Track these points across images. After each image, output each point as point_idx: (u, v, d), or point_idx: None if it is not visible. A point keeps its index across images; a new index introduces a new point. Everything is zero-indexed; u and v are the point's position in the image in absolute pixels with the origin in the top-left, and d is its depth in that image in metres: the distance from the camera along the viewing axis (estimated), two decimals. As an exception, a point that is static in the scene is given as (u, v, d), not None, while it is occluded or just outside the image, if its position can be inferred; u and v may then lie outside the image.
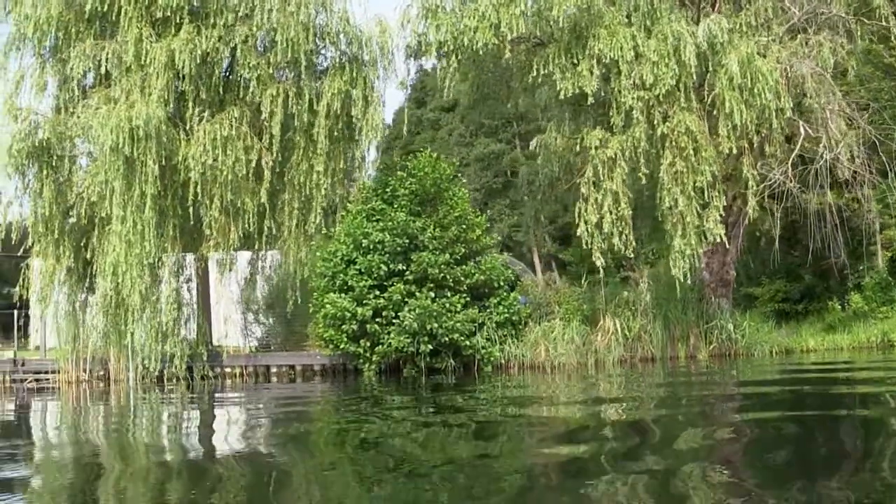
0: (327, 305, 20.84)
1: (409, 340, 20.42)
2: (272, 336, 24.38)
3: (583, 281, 23.41)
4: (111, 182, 19.93)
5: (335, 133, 21.53)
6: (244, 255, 23.79)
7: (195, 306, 21.88)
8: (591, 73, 20.32)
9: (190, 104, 20.93)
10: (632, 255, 20.87)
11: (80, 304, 22.94)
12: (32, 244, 21.98)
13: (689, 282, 20.58)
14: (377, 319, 20.69)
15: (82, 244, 22.41)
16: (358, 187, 22.58)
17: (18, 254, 45.13)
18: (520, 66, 22.52)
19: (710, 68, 19.95)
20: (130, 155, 19.64)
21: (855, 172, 21.22)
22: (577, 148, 22.37)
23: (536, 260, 40.98)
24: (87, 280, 23.07)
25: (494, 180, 42.98)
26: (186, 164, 20.28)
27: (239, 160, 20.44)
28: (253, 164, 20.82)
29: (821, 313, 27.96)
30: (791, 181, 20.96)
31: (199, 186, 20.17)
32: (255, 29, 21.03)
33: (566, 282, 23.81)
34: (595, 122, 22.58)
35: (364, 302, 20.64)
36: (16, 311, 37.71)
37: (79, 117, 21.04)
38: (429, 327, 20.17)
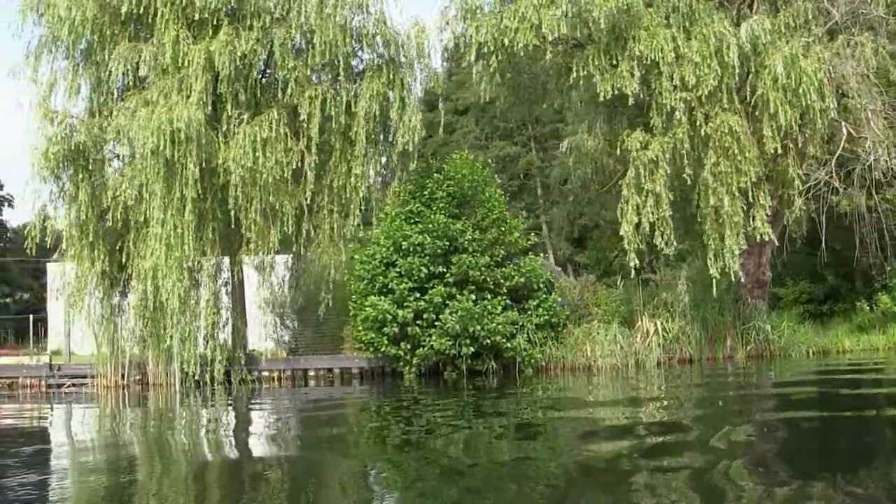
0: (367, 308, 20.73)
1: (450, 343, 20.35)
2: (300, 340, 24.20)
3: (618, 283, 23.31)
4: (151, 185, 19.80)
5: (372, 135, 21.46)
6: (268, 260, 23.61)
7: (231, 310, 21.71)
8: (632, 74, 20.28)
9: (228, 106, 20.84)
10: (672, 256, 20.78)
11: (113, 308, 22.79)
12: (66, 248, 21.76)
13: (732, 281, 20.55)
14: (418, 322, 20.60)
15: (117, 248, 22.32)
16: (394, 189, 22.44)
17: (32, 258, 44.84)
18: (556, 67, 22.45)
19: (753, 69, 19.94)
20: (171, 157, 19.53)
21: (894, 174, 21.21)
22: (613, 150, 22.38)
23: (552, 261, 40.92)
24: (121, 284, 22.97)
25: (510, 183, 42.90)
26: (226, 167, 20.15)
27: (279, 162, 20.33)
28: (293, 167, 20.71)
29: (847, 314, 27.93)
30: (835, 181, 20.95)
31: (238, 189, 20.05)
32: (293, 31, 20.93)
33: (603, 284, 23.63)
34: (630, 123, 22.55)
35: (405, 304, 20.54)
36: (31, 316, 37.67)
37: (115, 120, 20.94)
38: (471, 330, 20.09)
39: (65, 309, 29.68)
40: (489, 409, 16.06)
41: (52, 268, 37.77)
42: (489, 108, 43.37)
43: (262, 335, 24.26)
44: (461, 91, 40.98)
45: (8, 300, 44.22)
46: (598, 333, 21.25)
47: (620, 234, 20.43)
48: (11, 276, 43.21)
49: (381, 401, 18.78)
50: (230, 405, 18.64)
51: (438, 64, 22.77)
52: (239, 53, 20.36)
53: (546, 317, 21.20)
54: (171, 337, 20.80)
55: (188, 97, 20.29)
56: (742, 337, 22.18)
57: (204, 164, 19.97)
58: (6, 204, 43.69)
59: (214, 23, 21.20)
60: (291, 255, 22.81)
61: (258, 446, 12.28)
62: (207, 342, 20.56)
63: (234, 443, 12.86)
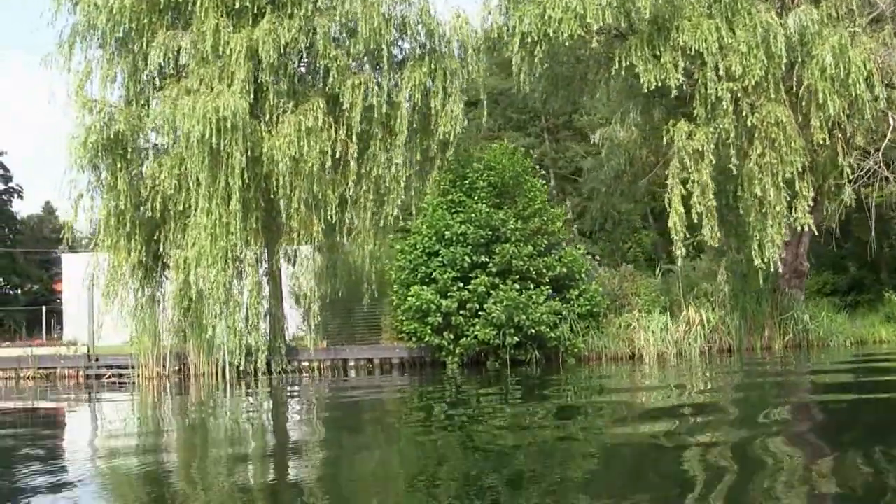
0: (410, 298, 20.69)
1: (494, 333, 20.33)
2: (337, 330, 24.08)
3: (657, 273, 23.37)
4: (196, 174, 19.65)
5: (413, 125, 21.41)
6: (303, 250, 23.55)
7: (271, 300, 21.62)
8: (675, 65, 20.31)
9: (270, 95, 20.71)
10: (717, 246, 20.84)
11: (148, 298, 22.66)
12: (104, 238, 21.54)
13: (771, 271, 20.63)
14: (461, 312, 20.57)
15: (154, 238, 22.19)
16: (433, 179, 22.38)
17: (41, 249, 44.62)
18: (596, 58, 22.46)
19: (799, 59, 19.99)
20: (216, 146, 19.41)
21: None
22: (647, 141, 22.43)
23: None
24: (157, 274, 22.84)
25: (523, 174, 42.98)
26: (270, 156, 20.04)
27: (323, 151, 20.25)
28: (337, 156, 20.63)
29: (872, 305, 28.13)
30: (885, 170, 21.07)
31: (285, 178, 19.94)
32: (338, 19, 20.82)
33: (642, 274, 23.69)
34: (669, 114, 22.60)
35: (448, 294, 20.51)
36: (44, 307, 37.48)
37: (157, 109, 20.80)
38: (516, 319, 20.09)
39: (88, 299, 29.66)
40: (534, 395, 16.26)
41: (67, 258, 37.65)
42: (501, 99, 43.50)
43: (297, 326, 24.22)
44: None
45: (17, 291, 43.98)
46: (641, 323, 21.25)
47: (669, 224, 20.45)
48: (21, 267, 42.91)
49: (425, 388, 18.78)
50: (276, 394, 18.55)
51: (480, 54, 22.30)
52: (283, 42, 20.20)
53: (588, 306, 21.22)
54: (213, 327, 20.76)
55: (230, 86, 20.19)
56: (780, 327, 22.27)
57: (248, 153, 19.86)
58: (16, 195, 43.35)
59: (255, 11, 21.11)
60: (312, 245, 22.54)
61: (310, 431, 12.38)
62: (250, 332, 20.45)
63: (287, 428, 13.01)
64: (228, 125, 19.30)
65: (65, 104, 22.06)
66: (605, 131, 25.55)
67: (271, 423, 13.81)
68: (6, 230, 42.56)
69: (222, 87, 19.85)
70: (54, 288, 45.77)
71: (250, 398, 17.72)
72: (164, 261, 22.82)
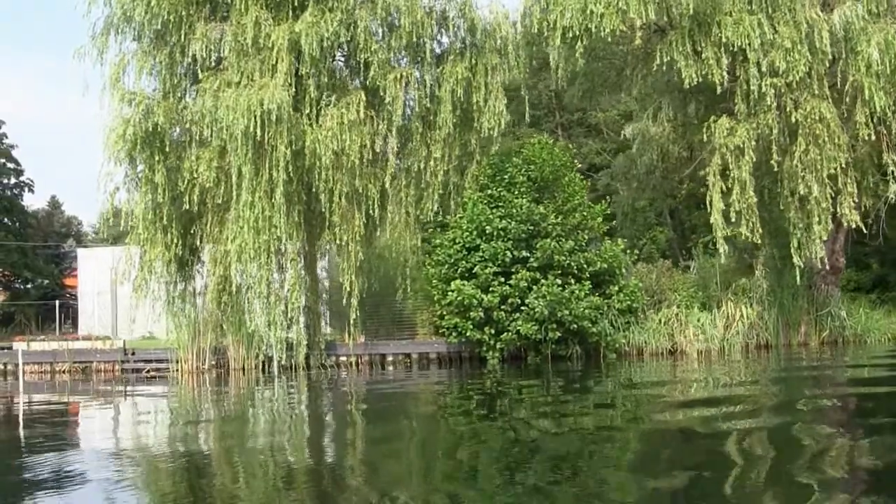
0: (451, 293, 20.63)
1: (536, 328, 20.30)
2: (371, 325, 23.99)
3: (692, 269, 23.38)
4: (239, 167, 19.55)
5: (453, 120, 21.35)
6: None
7: (310, 295, 21.55)
8: (717, 60, 20.31)
9: (311, 88, 20.64)
10: (758, 243, 20.85)
11: (181, 292, 22.56)
12: (141, 231, 21.37)
13: (811, 268, 20.70)
14: (503, 307, 20.52)
15: (191, 232, 22.11)
16: (472, 174, 22.33)
17: (52, 244, 44.25)
18: (635, 53, 22.44)
19: (843, 54, 20.01)
20: (260, 139, 19.32)
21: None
22: (689, 136, 22.42)
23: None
24: (191, 268, 22.75)
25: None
26: (312, 149, 19.95)
27: (365, 145, 20.19)
28: (378, 150, 20.58)
29: (897, 302, 28.17)
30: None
31: (327, 172, 19.87)
32: (379, 12, 20.75)
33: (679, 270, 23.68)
34: (707, 110, 22.62)
35: (490, 289, 20.46)
36: (57, 302, 37.28)
37: (198, 101, 20.67)
38: (558, 314, 20.07)
39: (112, 293, 29.56)
40: (578, 388, 16.43)
41: (83, 253, 37.44)
42: (515, 95, 43.49)
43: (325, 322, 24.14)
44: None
45: (29, 286, 43.71)
46: (681, 318, 21.27)
47: (711, 221, 20.46)
48: (32, 262, 42.63)
49: (467, 382, 18.79)
50: (320, 387, 18.52)
51: (520, 50, 22.26)
52: (326, 34, 20.09)
53: (627, 302, 21.21)
54: (252, 321, 20.71)
55: (272, 78, 20.08)
56: (816, 323, 22.31)
57: (291, 147, 19.76)
58: (27, 189, 43.07)
59: (294, 4, 21.02)
60: (353, 240, 22.31)
61: (362, 422, 12.63)
62: (291, 326, 20.37)
63: (340, 419, 13.31)
64: (273, 118, 19.23)
65: (100, 96, 21.92)
66: (637, 126, 25.53)
67: (324, 414, 14.16)
68: (17, 224, 42.23)
69: (266, 80, 19.75)
70: (64, 283, 45.56)
71: (297, 391, 17.68)
72: (199, 255, 22.80)
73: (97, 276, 33.74)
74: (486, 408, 13.51)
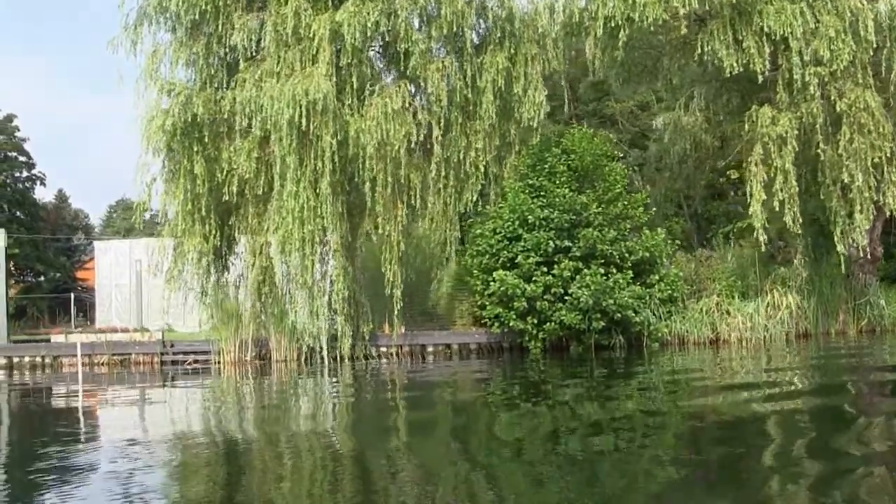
0: (493, 283, 20.59)
1: (579, 317, 20.28)
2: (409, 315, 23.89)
3: (729, 258, 23.39)
4: (284, 157, 19.41)
5: (493, 110, 21.26)
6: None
7: (353, 285, 21.42)
8: (759, 49, 20.31)
9: (353, 78, 20.52)
10: (800, 232, 20.88)
11: (214, 284, 22.47)
12: (180, 223, 21.21)
13: (849, 257, 20.76)
14: (546, 296, 20.49)
15: (229, 223, 22.01)
16: (511, 164, 22.27)
17: (63, 237, 43.68)
18: (673, 43, 22.41)
19: (887, 43, 20.04)
20: (305, 129, 19.20)
21: None
22: (725, 126, 22.41)
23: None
24: (227, 259, 22.67)
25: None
26: (356, 139, 19.85)
27: (408, 135, 20.12)
28: (422, 140, 20.50)
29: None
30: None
31: (371, 161, 19.77)
32: (420, 1, 20.64)
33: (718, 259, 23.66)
34: (744, 99, 22.64)
35: (533, 279, 20.42)
36: (72, 294, 37.03)
37: (234, 91, 20.52)
38: (603, 304, 20.05)
39: (137, 285, 29.38)
40: (623, 378, 16.56)
41: (99, 246, 37.20)
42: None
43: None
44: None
45: (41, 279, 43.42)
46: (723, 307, 21.30)
47: (750, 212, 20.48)
48: (44, 255, 42.34)
49: (512, 372, 18.85)
50: (369, 378, 18.53)
51: (559, 40, 22.19)
52: (369, 24, 19.96)
53: (669, 291, 21.21)
54: (296, 312, 20.63)
55: (317, 68, 19.94)
56: (854, 312, 22.38)
57: (336, 137, 19.65)
58: (39, 182, 42.73)
59: (335, -7, 20.89)
60: (396, 230, 22.24)
61: (415, 411, 13.00)
62: (335, 317, 20.28)
63: (387, 410, 13.37)
64: (319, 108, 19.12)
65: (135, 87, 21.80)
66: (668, 116, 25.53)
67: (379, 404, 14.20)
68: (29, 217, 41.91)
69: (310, 70, 19.61)
70: (76, 276, 45.28)
71: (353, 383, 17.67)
72: (234, 246, 22.70)
73: (115, 269, 33.52)
74: (548, 397, 13.57)
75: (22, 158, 41.97)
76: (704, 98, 24.31)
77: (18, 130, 41.55)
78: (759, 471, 7.29)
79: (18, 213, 41.95)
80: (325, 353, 20.00)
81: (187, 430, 11.67)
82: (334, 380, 17.96)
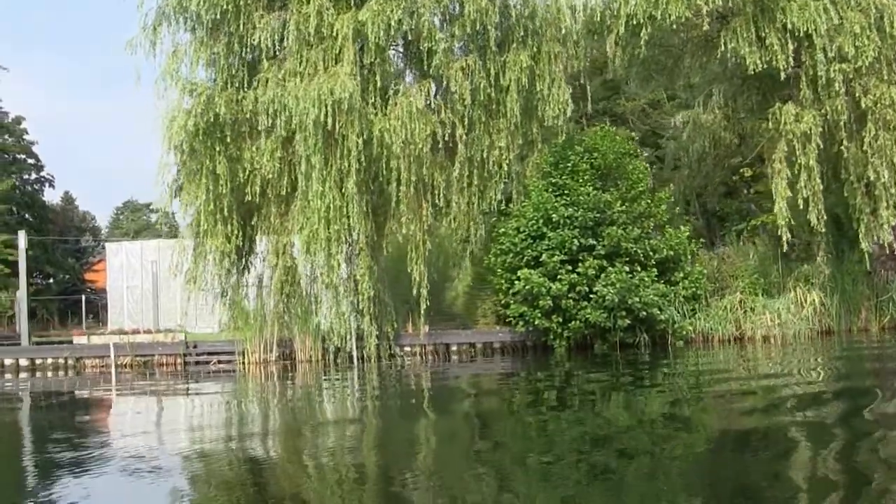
0: (517, 282, 20.56)
1: (605, 315, 20.26)
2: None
3: (752, 256, 23.38)
4: (309, 156, 19.36)
5: (517, 108, 21.23)
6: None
7: (378, 284, 21.36)
8: (782, 46, 20.32)
9: (377, 77, 20.49)
10: (823, 230, 20.89)
11: (234, 284, 22.43)
12: (203, 223, 21.13)
13: (878, 253, 20.77)
14: (570, 295, 20.46)
15: (251, 223, 21.96)
16: (533, 162, 22.26)
17: (71, 238, 43.48)
18: (694, 41, 22.41)
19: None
20: (331, 128, 19.16)
21: None
22: (745, 123, 22.42)
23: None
24: (248, 259, 22.62)
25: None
26: (381, 138, 19.82)
27: (436, 132, 20.10)
28: (446, 139, 20.48)
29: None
30: None
31: (397, 160, 19.74)
32: (444, 0, 20.62)
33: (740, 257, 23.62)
34: (765, 97, 22.66)
35: (558, 277, 20.40)
36: (83, 297, 36.96)
37: (256, 91, 20.46)
38: (628, 302, 20.03)
39: (153, 286, 29.30)
40: (651, 378, 16.53)
41: (111, 247, 37.11)
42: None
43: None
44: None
45: (50, 281, 43.32)
46: (747, 305, 21.31)
47: (775, 210, 20.49)
48: (53, 257, 42.23)
49: (538, 371, 18.82)
50: (396, 378, 18.52)
51: (581, 39, 22.17)
52: (392, 22, 19.91)
53: (693, 289, 21.20)
54: (320, 312, 20.60)
55: (341, 68, 19.89)
56: (877, 309, 22.38)
57: (363, 136, 19.61)
58: (47, 184, 42.64)
59: (357, -8, 20.84)
60: (420, 229, 22.20)
61: (442, 413, 13.00)
62: (361, 317, 20.24)
63: (422, 409, 13.40)
64: (344, 107, 19.08)
65: (154, 87, 21.60)
66: (686, 114, 25.54)
67: (416, 405, 14.10)
68: (38, 220, 41.81)
69: (336, 69, 19.57)
70: (85, 277, 45.17)
71: (392, 382, 17.69)
72: (254, 247, 22.65)
73: (127, 270, 33.45)
74: (558, 400, 13.54)
75: (30, 160, 41.85)
76: (723, 95, 24.28)
77: (27, 133, 41.45)
78: (794, 480, 7.19)
79: (27, 216, 41.83)
80: (354, 352, 19.91)
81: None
82: (370, 380, 17.93)
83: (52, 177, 42.58)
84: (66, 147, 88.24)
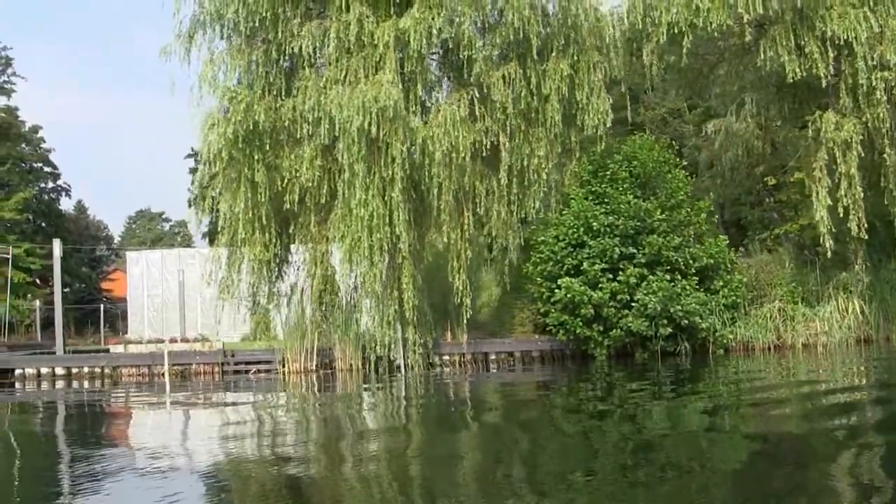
0: (557, 290, 20.53)
1: (647, 324, 20.21)
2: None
3: (787, 265, 23.37)
4: (352, 164, 19.29)
5: (557, 117, 21.21)
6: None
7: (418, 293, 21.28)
8: (822, 54, 20.35)
9: (418, 85, 20.49)
10: (865, 237, 20.89)
11: (269, 293, 22.38)
12: (241, 232, 21.01)
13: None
14: (612, 303, 20.42)
15: (288, 231, 21.92)
16: (571, 171, 22.25)
17: (87, 247, 43.48)
18: (732, 49, 22.44)
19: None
20: (375, 136, 19.12)
21: None
22: (780, 131, 22.46)
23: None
24: (283, 268, 22.56)
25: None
26: (423, 146, 19.78)
27: (476, 142, 20.08)
28: (488, 147, 20.47)
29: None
30: None
31: (439, 168, 19.70)
32: (485, 8, 20.64)
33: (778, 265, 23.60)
34: (800, 105, 22.69)
35: (599, 286, 20.36)
36: (102, 305, 36.83)
37: (294, 99, 20.43)
38: (670, 310, 19.99)
39: (179, 295, 29.18)
40: (693, 386, 16.43)
41: (131, 256, 37.05)
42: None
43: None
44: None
45: (66, 290, 43.18)
46: (785, 313, 21.29)
47: (817, 218, 20.50)
48: (69, 266, 42.10)
49: (583, 381, 18.68)
50: (440, 386, 18.44)
51: (620, 47, 22.17)
52: (434, 30, 19.89)
53: (732, 297, 21.17)
54: (360, 320, 20.54)
55: (376, 75, 19.87)
56: (916, 316, 22.37)
57: (406, 144, 19.57)
58: (64, 193, 42.60)
59: (396, 1, 20.85)
60: (461, 238, 22.01)
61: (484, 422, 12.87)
62: (405, 326, 20.16)
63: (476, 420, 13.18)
64: (389, 115, 19.02)
65: (190, 95, 21.55)
66: (721, 122, 25.56)
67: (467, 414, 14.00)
68: (54, 228, 41.72)
69: (379, 77, 19.52)
70: (101, 286, 45.10)
71: (441, 391, 17.57)
72: (288, 256, 22.61)
73: (147, 279, 33.37)
74: (605, 410, 13.43)
75: (47, 169, 41.82)
76: (756, 104, 24.27)
77: (44, 142, 41.43)
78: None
79: (43, 224, 41.79)
80: (399, 361, 19.86)
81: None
82: (420, 389, 17.81)
83: (69, 185, 42.59)
84: (75, 154, 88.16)
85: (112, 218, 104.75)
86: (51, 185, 42.04)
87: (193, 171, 44.52)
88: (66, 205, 45.66)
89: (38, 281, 40.33)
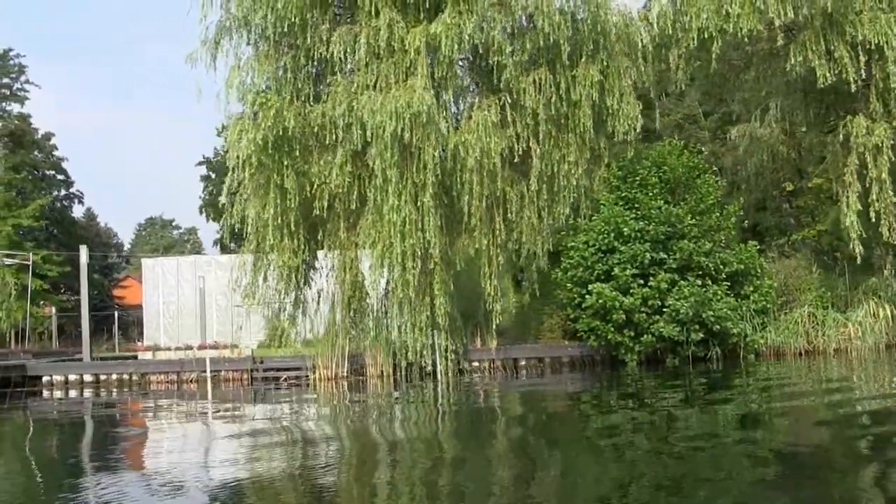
0: (587, 297, 20.48)
1: (678, 329, 20.16)
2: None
3: (813, 269, 23.34)
4: (385, 170, 19.23)
5: (588, 123, 21.16)
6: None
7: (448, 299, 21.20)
8: (852, 59, 20.36)
9: (449, 91, 20.46)
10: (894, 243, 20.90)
11: (297, 298, 22.29)
12: (271, 238, 20.91)
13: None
14: (643, 309, 20.38)
15: (317, 237, 21.84)
16: (600, 177, 22.21)
17: (103, 254, 43.49)
18: (759, 54, 22.45)
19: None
20: (407, 142, 19.07)
21: None
22: (806, 137, 22.44)
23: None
24: (311, 274, 22.46)
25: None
26: (455, 152, 19.73)
27: (512, 147, 20.05)
28: (520, 153, 20.43)
29: None
30: None
31: (471, 174, 19.65)
32: (515, 13, 20.63)
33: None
34: (828, 110, 22.69)
35: (630, 292, 20.32)
36: (116, 312, 36.76)
37: (323, 105, 20.37)
38: (702, 315, 19.95)
39: (199, 301, 29.14)
40: (727, 393, 16.30)
41: (147, 263, 36.99)
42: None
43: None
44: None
45: (78, 297, 43.10)
46: (815, 318, 21.25)
47: (847, 223, 20.49)
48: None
49: (615, 388, 18.62)
50: (476, 392, 18.37)
51: (649, 53, 22.15)
52: (465, 36, 19.85)
53: (763, 302, 21.14)
54: (391, 326, 20.46)
55: (405, 81, 19.83)
56: (947, 321, 22.32)
57: (438, 149, 19.52)
58: (76, 201, 42.52)
59: (426, 6, 20.81)
60: (493, 244, 21.92)
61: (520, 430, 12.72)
62: (437, 332, 20.07)
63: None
64: (422, 120, 18.97)
65: (216, 101, 21.51)
66: (745, 128, 25.55)
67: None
68: (65, 235, 41.67)
69: (410, 82, 19.48)
70: (112, 294, 44.98)
71: (459, 398, 17.47)
72: (315, 262, 22.52)
73: (163, 287, 33.30)
74: (633, 416, 13.37)
75: (60, 177, 41.76)
76: (782, 109, 24.26)
77: (56, 149, 41.38)
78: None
79: (55, 231, 41.70)
80: (435, 367, 19.79)
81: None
82: (458, 396, 17.75)
83: (81, 193, 42.50)
84: (83, 162, 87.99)
85: (118, 224, 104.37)
86: (63, 192, 41.92)
87: (206, 178, 44.45)
88: (76, 212, 45.58)
89: (50, 288, 40.24)
